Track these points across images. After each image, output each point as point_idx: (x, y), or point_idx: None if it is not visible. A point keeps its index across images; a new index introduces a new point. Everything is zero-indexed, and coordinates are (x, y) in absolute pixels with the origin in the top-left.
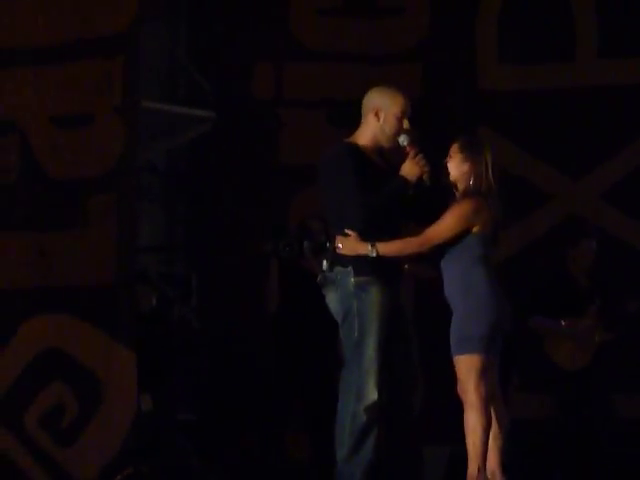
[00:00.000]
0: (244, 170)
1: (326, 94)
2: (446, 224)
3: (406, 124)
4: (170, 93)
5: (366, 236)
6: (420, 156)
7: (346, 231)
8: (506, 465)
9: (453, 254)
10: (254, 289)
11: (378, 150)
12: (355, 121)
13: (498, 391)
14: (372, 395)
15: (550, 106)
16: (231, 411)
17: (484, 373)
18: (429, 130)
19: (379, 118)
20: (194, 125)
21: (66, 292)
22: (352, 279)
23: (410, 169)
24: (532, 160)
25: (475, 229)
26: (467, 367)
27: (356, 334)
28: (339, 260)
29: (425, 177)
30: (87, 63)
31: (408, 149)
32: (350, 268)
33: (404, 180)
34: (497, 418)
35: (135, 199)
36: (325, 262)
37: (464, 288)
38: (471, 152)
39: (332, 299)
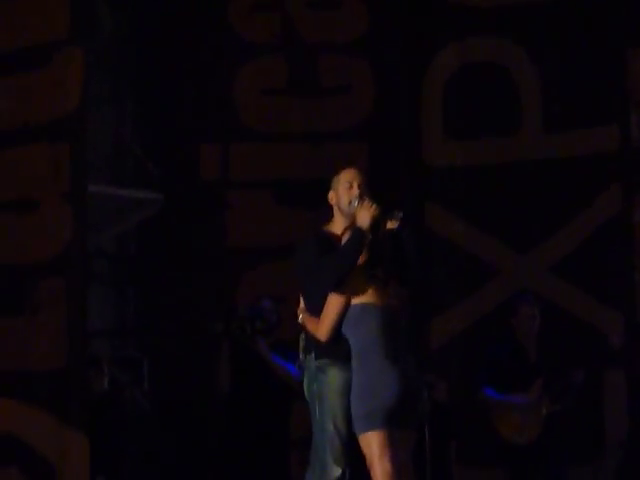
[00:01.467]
0: (192, 252)
1: (273, 174)
2: (328, 303)
3: (355, 190)
4: (117, 176)
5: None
6: (367, 201)
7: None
8: None
9: (349, 329)
10: (206, 371)
11: None
12: (302, 200)
13: (408, 467)
14: (334, 472)
15: (497, 180)
16: None
17: (386, 447)
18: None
19: (334, 200)
20: (142, 208)
21: (17, 377)
22: (314, 363)
23: (361, 216)
24: (480, 234)
25: (357, 301)
26: (368, 445)
27: (317, 415)
28: (307, 347)
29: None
30: (33, 149)
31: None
32: (313, 353)
33: (358, 229)
34: None
35: (85, 283)
36: (300, 351)
37: (358, 363)
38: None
39: (304, 383)
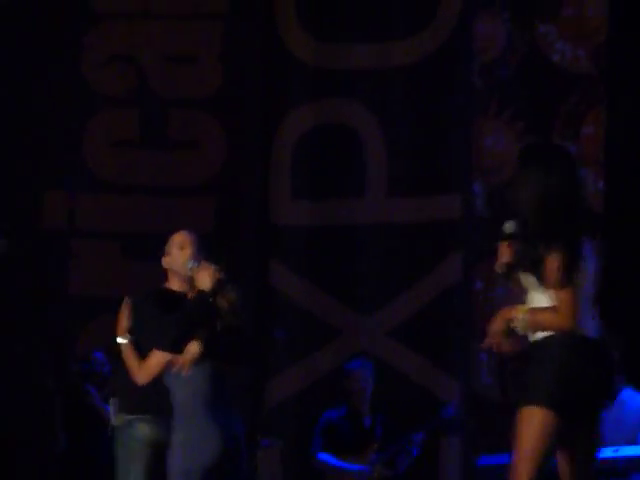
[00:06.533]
0: (34, 301)
1: (120, 226)
2: (156, 355)
3: (189, 252)
4: None
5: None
6: (207, 264)
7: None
8: None
9: (174, 384)
10: (43, 426)
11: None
12: (148, 253)
13: None
14: None
15: (341, 242)
16: None
17: None
18: (222, 263)
19: (167, 262)
20: None
21: None
22: (118, 416)
23: (202, 279)
24: (322, 295)
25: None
26: None
27: (120, 470)
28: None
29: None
30: None
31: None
32: (118, 405)
33: (200, 292)
34: None
35: None
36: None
37: (179, 419)
38: None
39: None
